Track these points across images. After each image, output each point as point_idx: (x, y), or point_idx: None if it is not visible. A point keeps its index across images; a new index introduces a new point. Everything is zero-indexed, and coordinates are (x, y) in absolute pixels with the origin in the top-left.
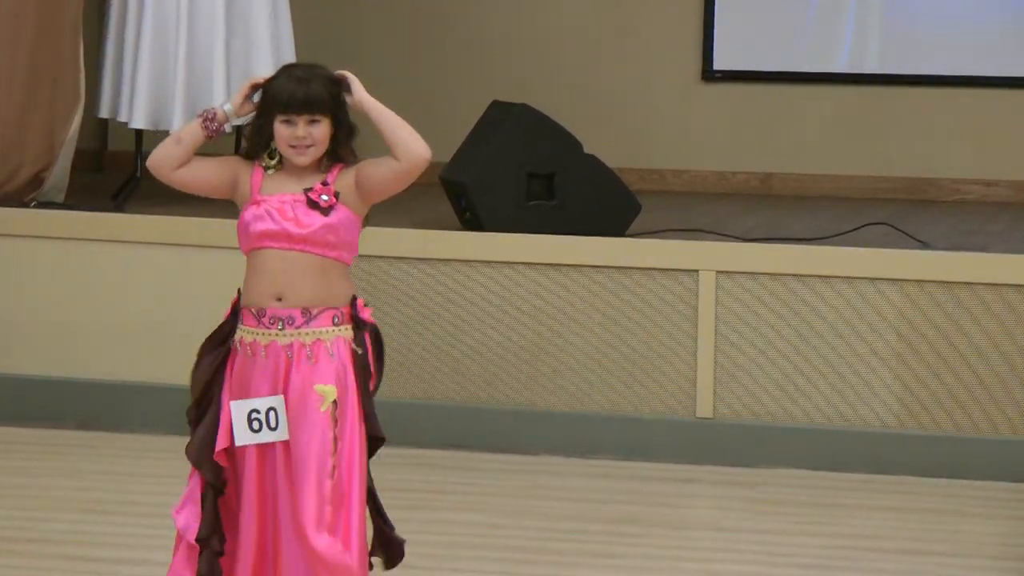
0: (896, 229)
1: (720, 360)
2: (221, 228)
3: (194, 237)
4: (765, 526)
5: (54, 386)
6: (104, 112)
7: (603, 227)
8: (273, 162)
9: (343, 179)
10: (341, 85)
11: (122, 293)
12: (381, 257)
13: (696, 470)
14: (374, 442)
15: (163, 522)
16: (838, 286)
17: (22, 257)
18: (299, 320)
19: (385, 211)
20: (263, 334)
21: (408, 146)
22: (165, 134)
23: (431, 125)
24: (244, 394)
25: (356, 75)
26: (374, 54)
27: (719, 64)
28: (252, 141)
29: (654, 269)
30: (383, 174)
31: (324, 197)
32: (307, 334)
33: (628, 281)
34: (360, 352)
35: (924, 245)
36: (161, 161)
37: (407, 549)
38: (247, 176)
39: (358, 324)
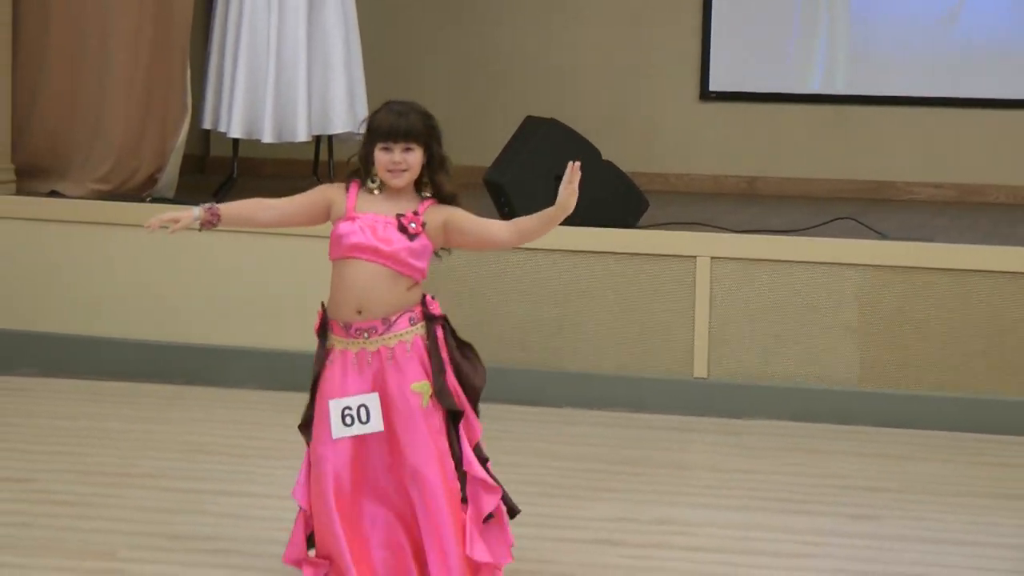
0: (859, 223)
1: (713, 330)
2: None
3: (276, 228)
4: (750, 467)
5: (165, 349)
6: (207, 123)
7: (617, 220)
8: (375, 185)
9: (432, 214)
10: (433, 119)
11: (220, 273)
12: None
13: (693, 421)
14: (454, 416)
15: (253, 461)
16: (811, 269)
17: (138, 243)
18: (380, 328)
19: None
20: (352, 343)
21: (530, 240)
22: (257, 142)
23: (476, 136)
24: (340, 394)
25: (414, 95)
26: (428, 77)
27: (714, 86)
28: (358, 168)
29: (659, 255)
30: (479, 234)
31: (412, 225)
32: (391, 338)
33: (637, 265)
34: (429, 343)
35: (882, 236)
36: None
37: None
38: (342, 197)
39: (429, 318)
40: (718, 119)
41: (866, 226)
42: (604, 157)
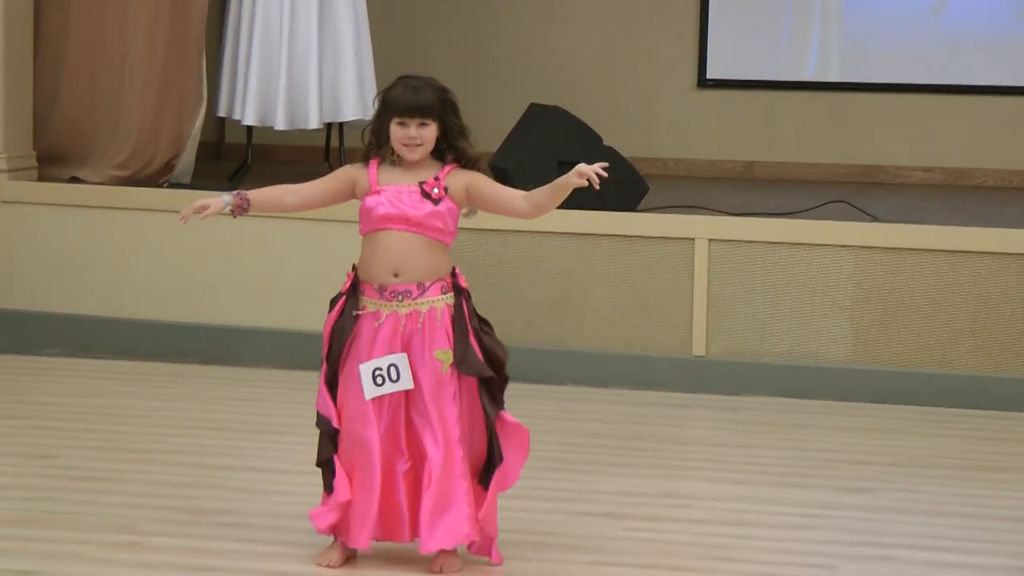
0: (851, 206)
1: (711, 310)
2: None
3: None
4: (747, 442)
5: (184, 329)
6: (222, 111)
7: (618, 204)
8: (393, 157)
9: (455, 178)
10: (448, 93)
11: (238, 255)
12: None
13: (692, 398)
14: (487, 383)
15: (269, 437)
16: (805, 251)
17: (157, 227)
18: (415, 292)
19: None
20: (385, 305)
21: (543, 213)
22: (270, 129)
23: (483, 122)
24: (369, 356)
25: None
26: (436, 65)
27: (711, 74)
28: (372, 140)
29: (659, 237)
30: (498, 201)
31: (435, 190)
32: (423, 303)
33: (638, 247)
34: (455, 313)
35: (873, 219)
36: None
37: None
38: (364, 174)
39: (458, 290)
40: (715, 106)
41: (858, 209)
42: (605, 143)
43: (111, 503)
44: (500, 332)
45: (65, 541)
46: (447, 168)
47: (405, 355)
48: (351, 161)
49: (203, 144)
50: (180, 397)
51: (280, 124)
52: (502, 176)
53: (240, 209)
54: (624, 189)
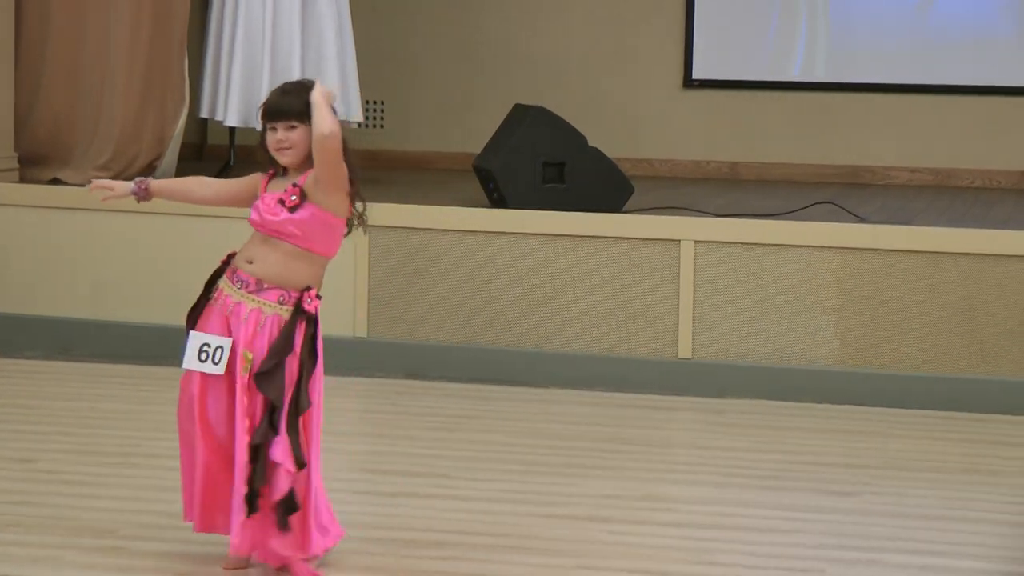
0: (838, 207)
1: (697, 312)
2: None
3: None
4: (731, 444)
5: (164, 332)
6: (204, 112)
7: (603, 205)
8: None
9: (310, 179)
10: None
11: (217, 257)
12: (428, 229)
13: (676, 400)
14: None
15: None
16: (791, 252)
17: (138, 229)
18: (252, 286)
19: (429, 192)
20: (228, 287)
21: (317, 126)
22: (253, 130)
23: (466, 122)
24: (202, 329)
25: (405, 84)
26: (421, 66)
27: (697, 74)
28: (260, 148)
29: (644, 239)
30: (318, 165)
31: (293, 197)
32: (252, 300)
33: (623, 249)
34: (285, 328)
35: (860, 220)
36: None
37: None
38: (261, 182)
39: (299, 310)
40: (701, 106)
41: (845, 210)
42: (590, 143)
43: (92, 507)
44: (481, 334)
45: (43, 545)
46: (308, 173)
47: (231, 341)
48: None
49: (185, 145)
50: (160, 400)
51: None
52: (486, 177)
53: (141, 197)
54: (609, 190)
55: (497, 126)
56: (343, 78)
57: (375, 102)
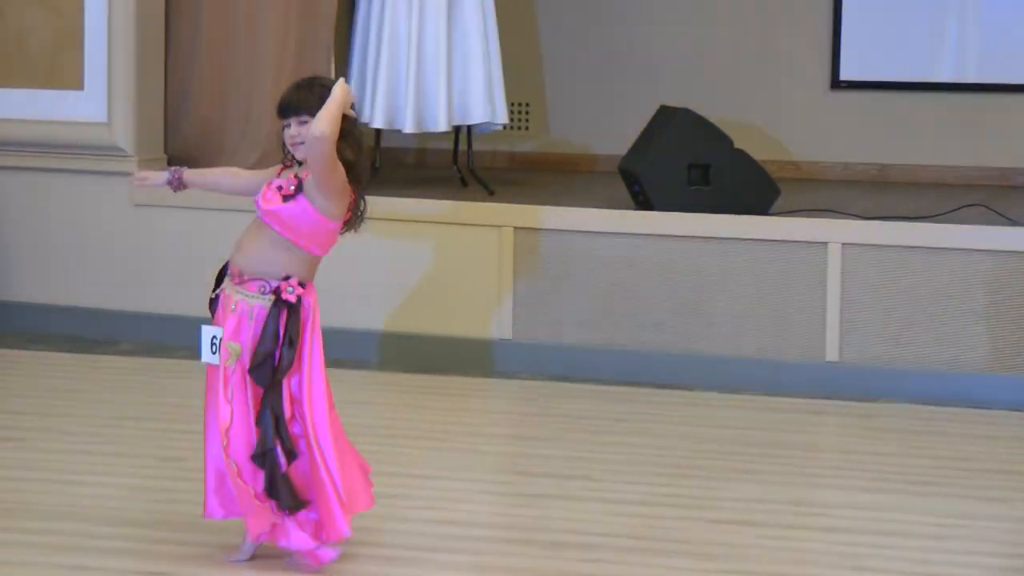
0: (989, 209)
1: (845, 315)
2: None
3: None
4: (880, 449)
5: None
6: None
7: (750, 207)
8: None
9: (311, 176)
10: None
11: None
12: (573, 231)
13: (825, 404)
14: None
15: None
16: (941, 256)
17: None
18: (236, 278)
19: (576, 196)
20: (227, 280)
21: (312, 126)
22: (399, 132)
23: (612, 126)
24: (214, 323)
25: (551, 87)
26: (566, 70)
27: (845, 75)
28: (280, 142)
29: (791, 242)
30: (311, 163)
31: (291, 187)
32: (237, 292)
33: (770, 251)
34: (269, 318)
35: (1012, 222)
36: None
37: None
38: (274, 174)
39: (278, 300)
40: (849, 107)
41: (996, 212)
42: (736, 146)
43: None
44: (629, 335)
45: (194, 543)
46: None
47: (222, 329)
48: (479, 164)
49: None
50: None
51: (408, 127)
52: (631, 179)
53: (176, 186)
54: (756, 192)
55: (642, 128)
56: (488, 81)
57: (520, 104)
